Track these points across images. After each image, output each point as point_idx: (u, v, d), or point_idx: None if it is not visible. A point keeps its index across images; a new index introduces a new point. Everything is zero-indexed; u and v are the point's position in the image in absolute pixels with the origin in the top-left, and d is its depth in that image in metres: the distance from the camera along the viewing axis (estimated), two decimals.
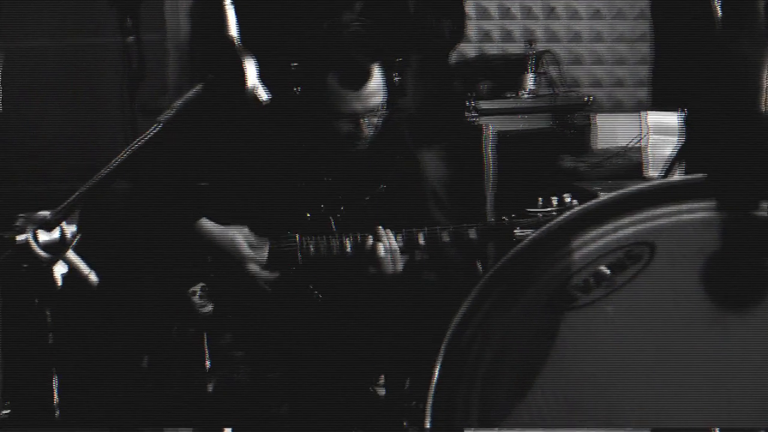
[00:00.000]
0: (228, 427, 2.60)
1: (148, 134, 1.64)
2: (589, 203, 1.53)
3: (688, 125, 2.08)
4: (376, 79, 2.68)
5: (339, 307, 2.74)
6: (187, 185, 2.69)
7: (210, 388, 2.69)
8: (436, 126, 3.82)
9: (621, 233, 1.52)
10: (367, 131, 2.71)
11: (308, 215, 2.77)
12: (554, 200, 2.69)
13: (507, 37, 4.76)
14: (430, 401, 1.51)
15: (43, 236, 1.63)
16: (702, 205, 1.55)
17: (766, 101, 1.63)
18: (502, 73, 4.47)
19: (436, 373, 1.51)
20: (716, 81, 1.75)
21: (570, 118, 4.38)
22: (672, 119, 3.80)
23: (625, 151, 4.20)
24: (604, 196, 1.53)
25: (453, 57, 4.37)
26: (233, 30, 1.64)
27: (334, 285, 2.74)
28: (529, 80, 4.43)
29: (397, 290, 2.69)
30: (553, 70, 4.56)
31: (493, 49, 4.74)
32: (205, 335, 2.70)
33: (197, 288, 2.67)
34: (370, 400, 2.81)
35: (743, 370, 1.50)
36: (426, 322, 2.18)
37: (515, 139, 4.25)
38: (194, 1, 3.86)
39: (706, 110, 1.83)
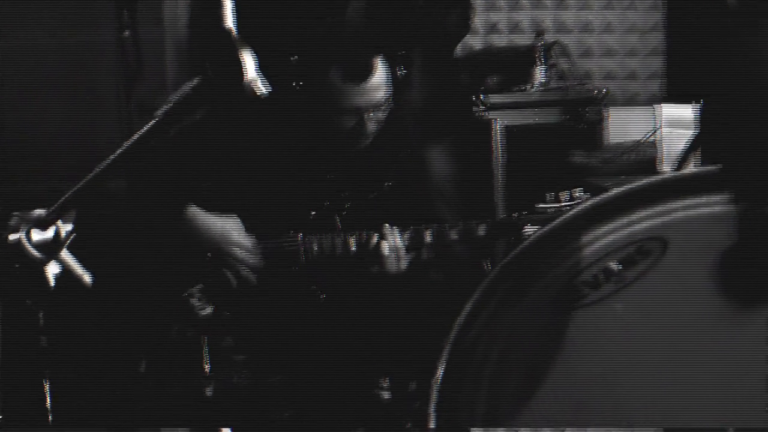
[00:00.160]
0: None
1: (144, 129, 1.64)
2: (598, 197, 1.53)
3: (703, 116, 2.07)
4: (380, 73, 2.68)
5: (343, 308, 2.74)
6: (182, 180, 2.68)
7: (209, 392, 2.69)
8: (442, 121, 3.82)
9: (631, 228, 1.52)
10: (371, 127, 2.70)
11: (312, 213, 2.77)
12: (564, 196, 2.68)
13: (515, 28, 4.75)
14: (433, 401, 1.51)
15: (37, 235, 1.63)
16: (715, 199, 1.54)
17: None
18: (511, 66, 4.46)
19: (440, 373, 1.51)
20: (731, 71, 1.75)
21: (581, 111, 4.38)
22: (687, 112, 3.79)
23: (638, 145, 4.19)
24: (614, 190, 1.52)
25: (459, 50, 4.37)
26: (231, 22, 1.64)
27: (338, 285, 2.74)
28: (539, 73, 4.43)
29: (402, 290, 2.70)
30: (563, 63, 4.55)
31: (500, 41, 4.74)
32: (205, 338, 2.70)
33: (195, 290, 2.67)
34: (374, 404, 2.82)
35: (756, 369, 1.50)
36: (432, 322, 2.18)
37: (524, 134, 4.25)
38: None
39: (721, 101, 1.83)
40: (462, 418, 1.53)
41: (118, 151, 1.63)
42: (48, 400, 1.77)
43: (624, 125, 4.54)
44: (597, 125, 4.41)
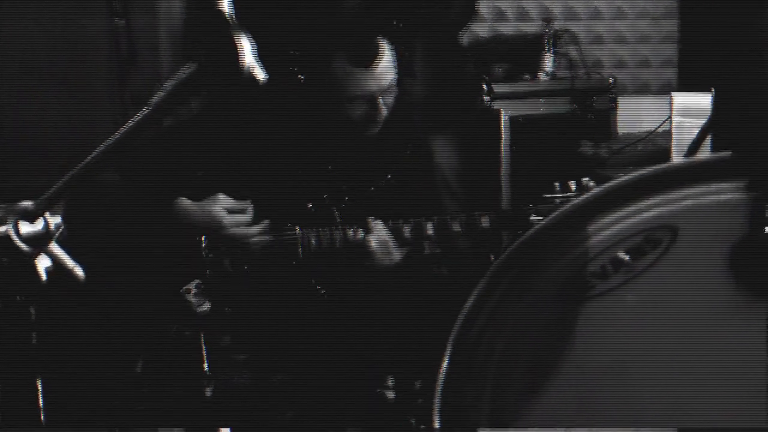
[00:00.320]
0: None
1: (137, 118, 1.64)
2: (606, 185, 1.52)
3: (716, 101, 2.07)
4: (387, 55, 2.68)
5: (344, 305, 2.74)
6: (176, 171, 2.68)
7: (208, 392, 2.69)
8: (447, 111, 3.82)
9: (640, 216, 1.52)
10: (384, 111, 2.71)
11: (310, 206, 2.76)
12: (572, 185, 2.68)
13: (522, 15, 4.75)
14: (437, 399, 1.51)
15: (25, 228, 1.63)
16: (728, 186, 1.54)
17: None
18: (518, 55, 4.47)
19: (444, 369, 1.50)
20: (746, 57, 1.74)
21: (591, 101, 4.38)
22: (702, 101, 3.78)
23: (650, 136, 4.19)
24: (622, 177, 1.52)
25: (465, 37, 4.36)
26: (227, 5, 1.64)
27: (339, 281, 2.74)
28: (547, 61, 4.43)
29: (404, 285, 2.69)
30: (572, 50, 4.55)
31: (507, 28, 4.74)
32: (203, 336, 2.70)
33: (192, 286, 2.67)
34: (378, 404, 2.82)
35: None
36: (436, 319, 2.18)
37: (532, 125, 4.25)
38: None
39: (734, 87, 1.82)
40: (466, 416, 1.52)
41: (109, 141, 1.62)
42: (40, 399, 1.77)
43: (635, 115, 4.54)
44: (607, 115, 4.40)
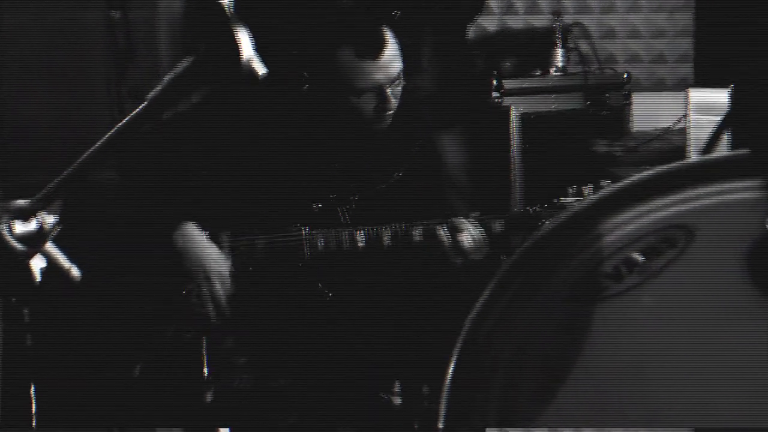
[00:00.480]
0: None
1: (134, 113, 1.64)
2: (620, 183, 1.52)
3: (734, 99, 2.07)
4: (392, 44, 2.69)
5: (350, 307, 2.74)
6: (178, 177, 2.68)
7: (209, 397, 2.69)
8: (455, 108, 3.82)
9: (655, 215, 1.51)
10: (393, 103, 2.71)
11: (317, 206, 2.76)
12: (587, 189, 2.68)
13: (532, 8, 4.74)
14: (444, 401, 1.51)
15: (20, 227, 1.63)
16: (746, 184, 1.53)
17: None
18: (528, 49, 4.46)
19: (450, 370, 1.50)
20: (764, 52, 1.75)
21: (604, 97, 4.37)
22: (719, 97, 3.77)
23: (665, 133, 4.18)
24: (636, 175, 1.52)
25: (472, 32, 4.36)
26: None
27: (346, 283, 2.74)
28: (558, 56, 4.42)
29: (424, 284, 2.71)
30: (584, 45, 4.54)
31: (517, 22, 4.73)
32: (204, 339, 2.71)
33: (194, 286, 2.67)
34: (384, 410, 2.82)
35: None
36: (446, 322, 2.18)
37: (543, 122, 4.25)
38: None
39: (752, 83, 1.82)
40: (474, 417, 1.52)
41: (106, 137, 1.62)
42: (33, 403, 1.77)
43: (650, 112, 4.53)
44: (621, 112, 4.40)
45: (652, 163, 3.95)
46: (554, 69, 4.41)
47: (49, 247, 1.65)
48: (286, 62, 2.73)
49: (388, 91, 2.68)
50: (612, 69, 4.59)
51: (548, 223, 1.52)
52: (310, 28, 2.88)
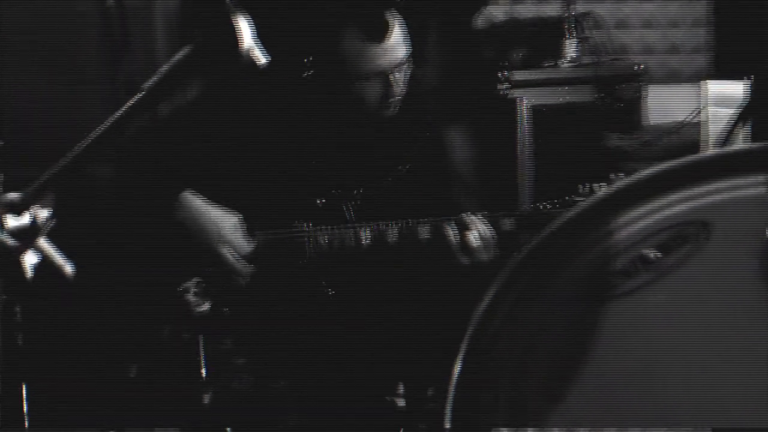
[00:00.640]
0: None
1: (130, 104, 1.64)
2: (633, 177, 1.52)
3: (753, 91, 2.06)
4: (398, 28, 2.69)
5: (354, 306, 2.74)
6: (175, 161, 2.67)
7: (207, 399, 2.70)
8: (462, 99, 3.82)
9: (669, 211, 1.52)
10: (398, 90, 2.71)
11: (319, 201, 2.77)
12: (599, 187, 2.67)
13: None
14: (450, 401, 1.51)
15: (11, 222, 1.63)
16: (764, 178, 1.53)
17: None
18: (538, 39, 4.46)
19: (457, 370, 1.51)
20: None
21: (617, 89, 4.37)
22: (736, 89, 3.77)
23: (681, 127, 4.18)
24: (650, 169, 1.51)
25: (480, 21, 4.36)
26: None
27: (349, 281, 2.74)
28: (569, 47, 4.42)
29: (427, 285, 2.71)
30: (596, 35, 4.53)
31: (526, 11, 4.73)
32: (201, 339, 2.71)
33: (191, 284, 2.68)
34: (387, 412, 2.82)
35: None
36: (452, 321, 2.18)
37: (554, 115, 4.25)
38: None
39: None
40: (481, 417, 1.53)
41: (101, 128, 1.62)
42: (24, 404, 1.78)
43: (665, 104, 4.53)
44: (634, 104, 4.39)
45: (667, 158, 3.97)
46: (565, 60, 4.40)
47: (42, 242, 1.65)
48: (288, 49, 2.73)
49: (393, 76, 2.68)
50: (627, 59, 4.58)
51: (557, 220, 1.52)
52: (312, 11, 2.87)
